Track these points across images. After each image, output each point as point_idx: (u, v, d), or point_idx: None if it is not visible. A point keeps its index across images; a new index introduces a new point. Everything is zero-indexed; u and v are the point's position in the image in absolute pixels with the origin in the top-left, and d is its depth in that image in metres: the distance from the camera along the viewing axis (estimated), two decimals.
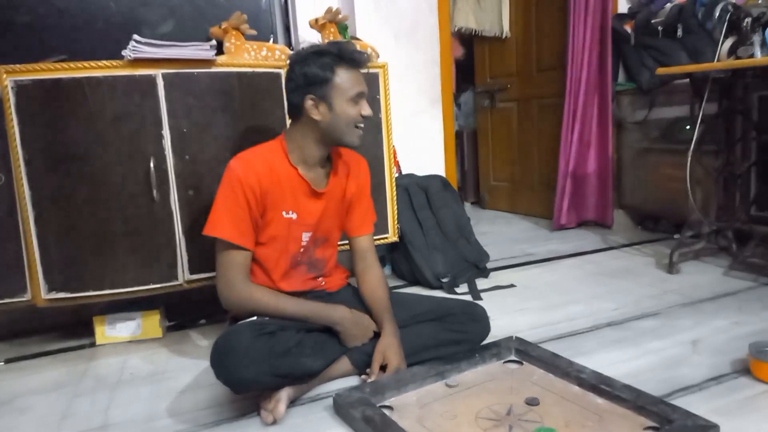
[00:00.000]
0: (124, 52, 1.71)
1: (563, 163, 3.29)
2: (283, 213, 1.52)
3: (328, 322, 1.51)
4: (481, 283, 2.36)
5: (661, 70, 2.59)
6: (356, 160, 1.70)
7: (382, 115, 2.16)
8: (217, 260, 1.49)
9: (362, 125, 1.53)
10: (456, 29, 3.71)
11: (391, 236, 2.25)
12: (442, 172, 3.09)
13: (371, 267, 1.67)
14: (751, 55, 2.23)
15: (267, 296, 1.48)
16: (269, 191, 1.49)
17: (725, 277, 2.30)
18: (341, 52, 1.48)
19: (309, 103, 1.47)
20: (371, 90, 2.11)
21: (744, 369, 1.46)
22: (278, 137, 1.57)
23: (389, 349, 1.49)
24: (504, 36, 3.77)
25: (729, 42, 2.37)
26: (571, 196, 3.31)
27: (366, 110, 1.51)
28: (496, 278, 2.44)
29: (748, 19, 2.31)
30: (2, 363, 1.81)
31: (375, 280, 1.65)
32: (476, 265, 2.47)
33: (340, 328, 1.51)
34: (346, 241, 1.73)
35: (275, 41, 2.27)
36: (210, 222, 1.47)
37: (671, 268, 2.37)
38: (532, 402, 1.33)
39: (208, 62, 1.81)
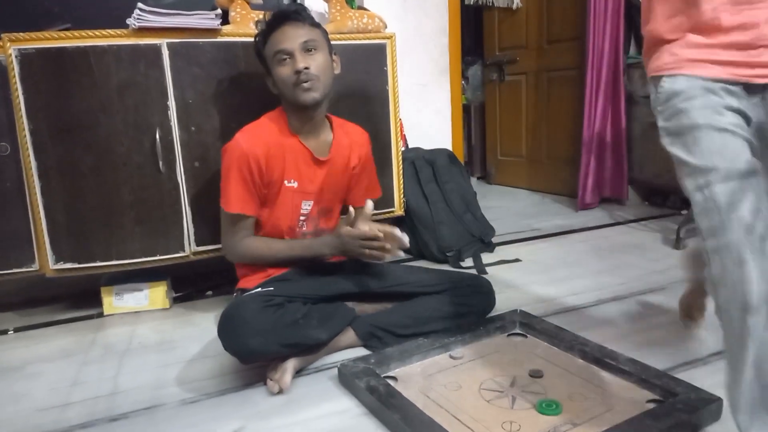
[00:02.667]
0: (128, 21, 1.69)
1: (587, 139, 3.15)
2: (285, 182, 1.54)
3: (320, 254, 1.55)
4: (487, 258, 2.36)
5: None
6: (358, 132, 1.72)
7: (389, 87, 2.13)
8: (223, 225, 1.59)
9: (306, 81, 1.46)
10: (470, 1, 3.64)
11: (397, 210, 2.24)
12: (449, 146, 3.06)
13: None
14: None
15: (261, 247, 1.57)
16: (275, 161, 1.52)
17: None
18: (270, 18, 1.49)
19: (267, 80, 1.56)
20: (377, 62, 2.09)
21: None
22: (278, 108, 1.59)
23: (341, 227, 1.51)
24: (515, 6, 3.69)
25: None
26: (594, 173, 3.19)
27: (295, 64, 1.45)
28: (501, 252, 2.44)
29: None
30: (12, 332, 1.83)
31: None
32: (482, 239, 2.47)
33: (334, 253, 1.54)
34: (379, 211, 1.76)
35: None
36: (223, 196, 1.54)
37: (678, 243, 2.36)
38: (535, 374, 1.34)
39: (213, 32, 1.79)
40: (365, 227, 1.47)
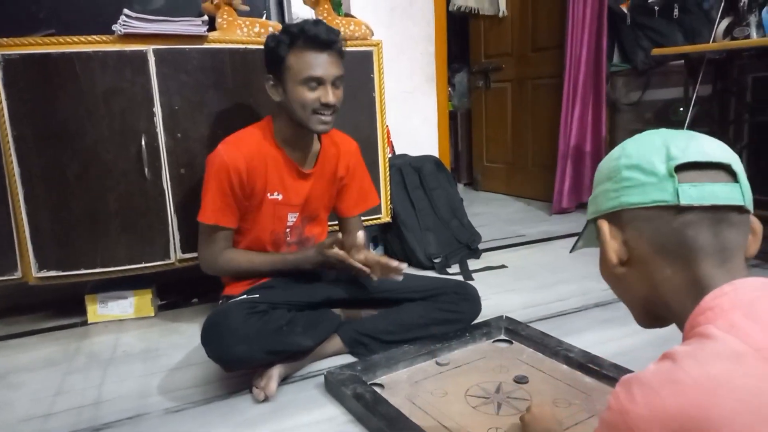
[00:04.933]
0: (114, 27, 1.69)
1: (563, 145, 3.24)
2: (268, 194, 1.53)
3: (300, 268, 1.54)
4: (473, 264, 2.38)
5: (656, 51, 2.59)
6: (346, 142, 1.70)
7: (376, 94, 2.15)
8: (200, 234, 1.58)
9: (325, 112, 1.45)
10: (455, 8, 3.67)
11: (384, 217, 2.25)
12: (435, 153, 3.08)
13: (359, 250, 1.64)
14: (747, 36, 2.22)
15: (241, 261, 1.56)
16: (257, 173, 1.50)
17: None
18: (302, 31, 1.41)
19: (268, 83, 1.48)
20: (364, 69, 2.10)
21: None
22: (266, 117, 1.58)
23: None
24: (501, 15, 3.73)
25: (725, 22, 2.37)
26: (571, 178, 3.27)
27: (325, 97, 1.42)
28: (488, 259, 2.45)
29: (745, 0, 2.30)
30: None
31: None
32: (468, 245, 2.48)
33: (317, 268, 1.53)
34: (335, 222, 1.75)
35: (268, 17, 2.24)
36: (202, 208, 1.53)
37: None
38: (520, 380, 1.35)
39: (199, 38, 1.79)
40: (360, 256, 1.47)
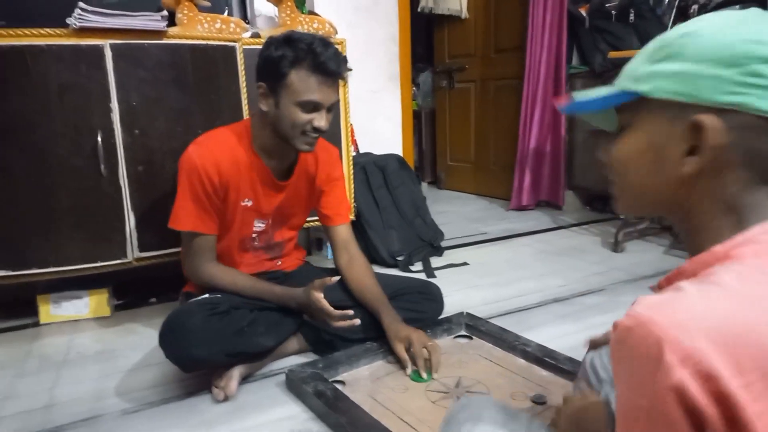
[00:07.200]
0: (69, 20, 1.64)
1: (523, 144, 3.33)
2: (241, 202, 1.49)
3: (285, 305, 1.48)
4: (436, 261, 2.40)
5: (613, 54, 2.67)
6: (326, 149, 1.64)
7: (339, 93, 2.14)
8: (182, 245, 1.51)
9: (314, 135, 1.41)
10: (419, 9, 3.70)
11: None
12: (399, 152, 3.10)
13: (356, 258, 1.61)
14: None
15: (226, 281, 1.47)
16: (230, 179, 1.44)
17: (666, 255, 2.41)
18: (310, 51, 1.32)
19: (260, 90, 1.40)
20: None
21: None
22: (245, 119, 1.53)
23: (402, 331, 1.43)
24: (464, 16, 3.77)
25: None
26: (530, 176, 3.35)
27: (318, 122, 1.38)
28: (450, 256, 2.48)
29: (695, 6, 2.39)
30: None
31: (361, 270, 1.58)
32: (431, 243, 2.51)
33: (299, 309, 1.47)
34: (314, 218, 1.69)
35: (230, 14, 2.21)
36: (173, 213, 1.45)
37: (616, 246, 2.46)
38: (538, 400, 1.29)
39: (159, 33, 1.76)
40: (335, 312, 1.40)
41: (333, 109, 1.43)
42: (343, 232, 1.65)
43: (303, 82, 1.34)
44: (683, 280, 0.49)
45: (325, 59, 1.33)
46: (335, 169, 1.66)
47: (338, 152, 1.69)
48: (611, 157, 0.63)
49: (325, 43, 1.36)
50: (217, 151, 1.43)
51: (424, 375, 1.37)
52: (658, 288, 0.58)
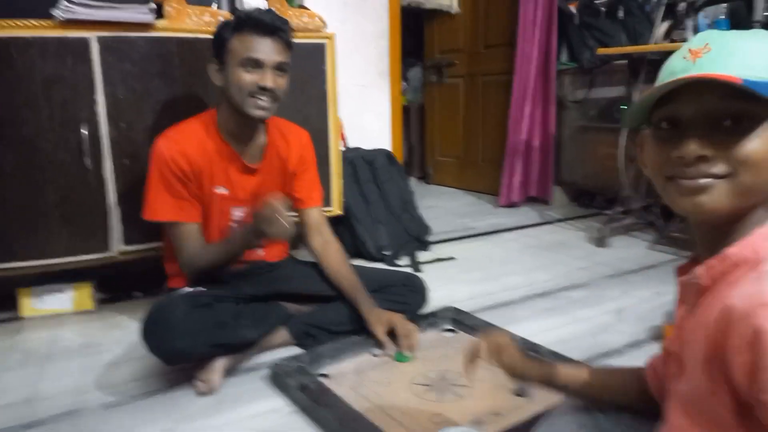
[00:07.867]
0: (54, 12, 1.62)
1: (512, 140, 3.32)
2: (215, 189, 1.50)
3: (249, 242, 1.46)
4: (423, 256, 2.41)
5: (601, 50, 2.68)
6: (296, 133, 1.67)
7: (328, 87, 2.14)
8: (171, 239, 1.51)
9: (262, 97, 1.42)
10: (406, 3, 3.69)
11: (335, 210, 2.26)
12: (388, 147, 3.09)
13: (330, 243, 1.64)
14: (684, 39, 2.33)
15: (202, 254, 1.48)
16: (201, 167, 1.47)
17: (650, 250, 2.43)
18: (248, 16, 1.42)
19: (212, 67, 1.46)
20: (316, 61, 2.09)
21: (659, 335, 1.56)
22: (210, 110, 1.55)
23: (383, 315, 1.49)
24: (454, 12, 3.77)
25: (665, 25, 2.47)
26: (520, 172, 3.35)
27: (262, 80, 1.40)
28: (437, 251, 2.49)
29: (683, 4, 2.41)
30: None
31: (337, 256, 1.62)
32: (419, 238, 2.52)
33: (258, 233, 1.38)
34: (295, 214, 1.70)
35: (219, 7, 2.19)
36: (147, 205, 1.46)
37: (601, 241, 2.49)
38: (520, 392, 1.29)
39: (146, 26, 1.74)
40: None
41: (284, 71, 1.46)
42: (316, 214, 1.67)
43: (242, 43, 1.40)
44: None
45: (259, 16, 1.41)
46: (307, 152, 1.69)
47: (308, 136, 1.71)
48: (741, 154, 0.58)
49: (266, 9, 1.46)
50: (184, 141, 1.46)
51: (408, 354, 1.45)
52: (689, 273, 0.62)
